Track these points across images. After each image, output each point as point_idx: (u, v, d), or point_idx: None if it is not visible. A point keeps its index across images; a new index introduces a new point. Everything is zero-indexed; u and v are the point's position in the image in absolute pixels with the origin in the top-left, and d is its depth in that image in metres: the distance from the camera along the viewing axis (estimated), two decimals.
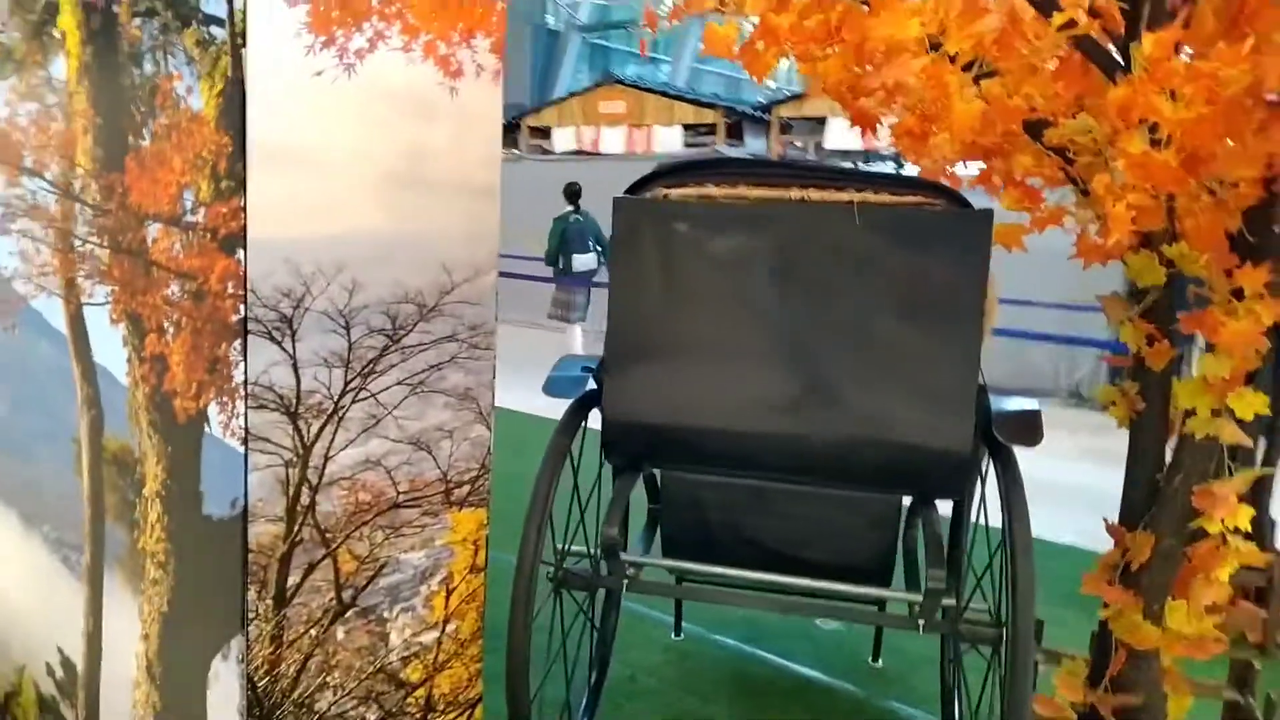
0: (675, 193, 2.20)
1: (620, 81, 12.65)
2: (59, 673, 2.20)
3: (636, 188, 2.27)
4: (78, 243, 1.97)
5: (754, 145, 12.14)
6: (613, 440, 2.27)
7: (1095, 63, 1.86)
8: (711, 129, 12.08)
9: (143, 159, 1.78)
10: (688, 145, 11.95)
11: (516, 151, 12.57)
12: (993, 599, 2.20)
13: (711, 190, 2.17)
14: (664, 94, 12.16)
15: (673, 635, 3.28)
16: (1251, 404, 2.03)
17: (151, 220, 1.77)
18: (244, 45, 1.55)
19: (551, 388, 2.29)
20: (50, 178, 2.04)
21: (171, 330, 1.76)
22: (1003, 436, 2.07)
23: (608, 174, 5.59)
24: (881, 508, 2.31)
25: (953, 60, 1.80)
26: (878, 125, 2.16)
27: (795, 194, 2.13)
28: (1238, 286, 1.96)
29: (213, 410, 1.69)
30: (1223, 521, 2.05)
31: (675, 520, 2.60)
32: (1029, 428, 2.09)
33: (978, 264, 2.06)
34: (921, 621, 2.21)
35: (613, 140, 12.31)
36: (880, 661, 3.21)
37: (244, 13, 1.55)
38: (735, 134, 12.13)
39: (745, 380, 2.18)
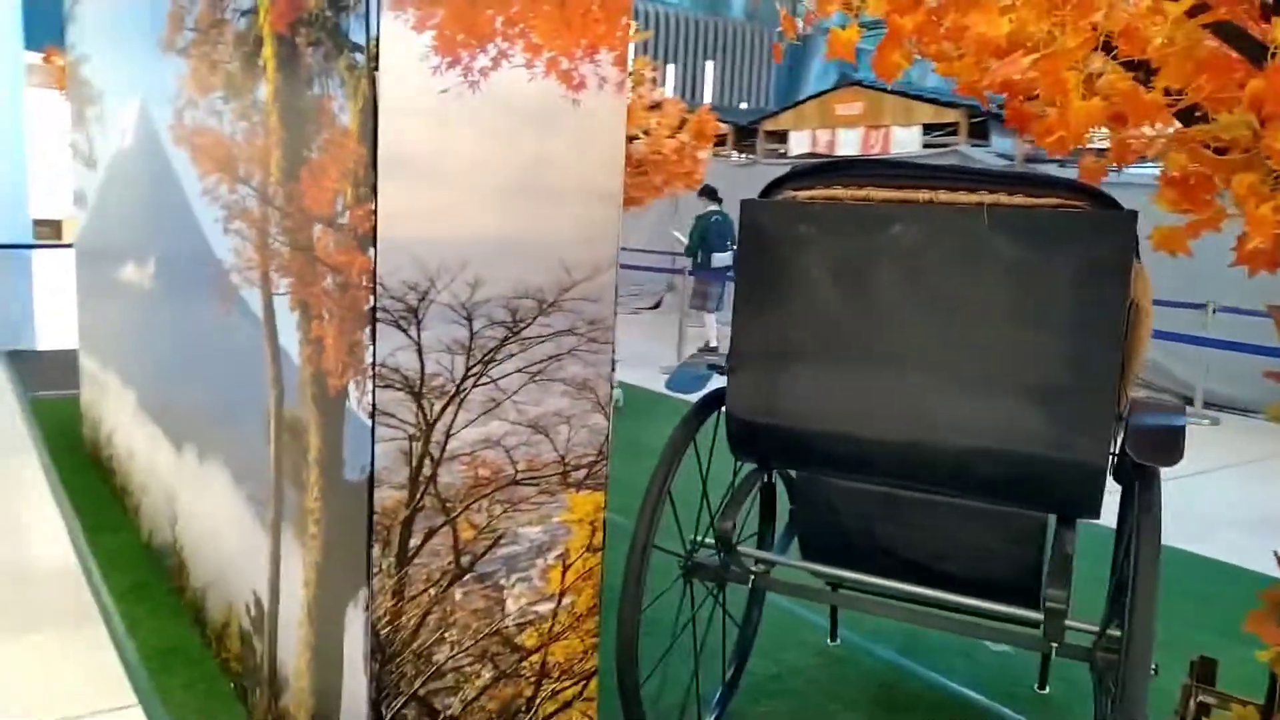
0: (802, 194, 2.23)
1: (859, 83, 12.46)
2: (252, 611, 2.56)
3: (770, 190, 2.32)
4: (271, 241, 2.30)
5: (1001, 145, 11.57)
6: (735, 437, 2.34)
7: (1239, 50, 1.73)
8: (953, 129, 11.64)
9: (312, 169, 2.05)
10: (926, 146, 11.58)
11: (752, 155, 12.68)
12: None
13: (838, 192, 2.19)
14: (903, 94, 11.85)
15: (828, 640, 3.28)
16: None
17: (316, 222, 2.04)
18: (376, 68, 1.77)
19: (674, 383, 2.39)
20: (254, 185, 2.38)
21: (326, 317, 2.02)
22: (1136, 454, 1.94)
23: None
24: (1024, 523, 2.22)
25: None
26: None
27: (924, 196, 2.10)
28: None
29: (351, 388, 1.93)
30: None
31: (808, 522, 2.62)
32: (1167, 445, 1.95)
33: (1119, 268, 1.95)
34: (1054, 645, 2.11)
35: (848, 142, 12.15)
36: (1047, 689, 3.06)
37: (377, 40, 1.76)
38: (980, 133, 11.61)
39: (868, 384, 2.17)
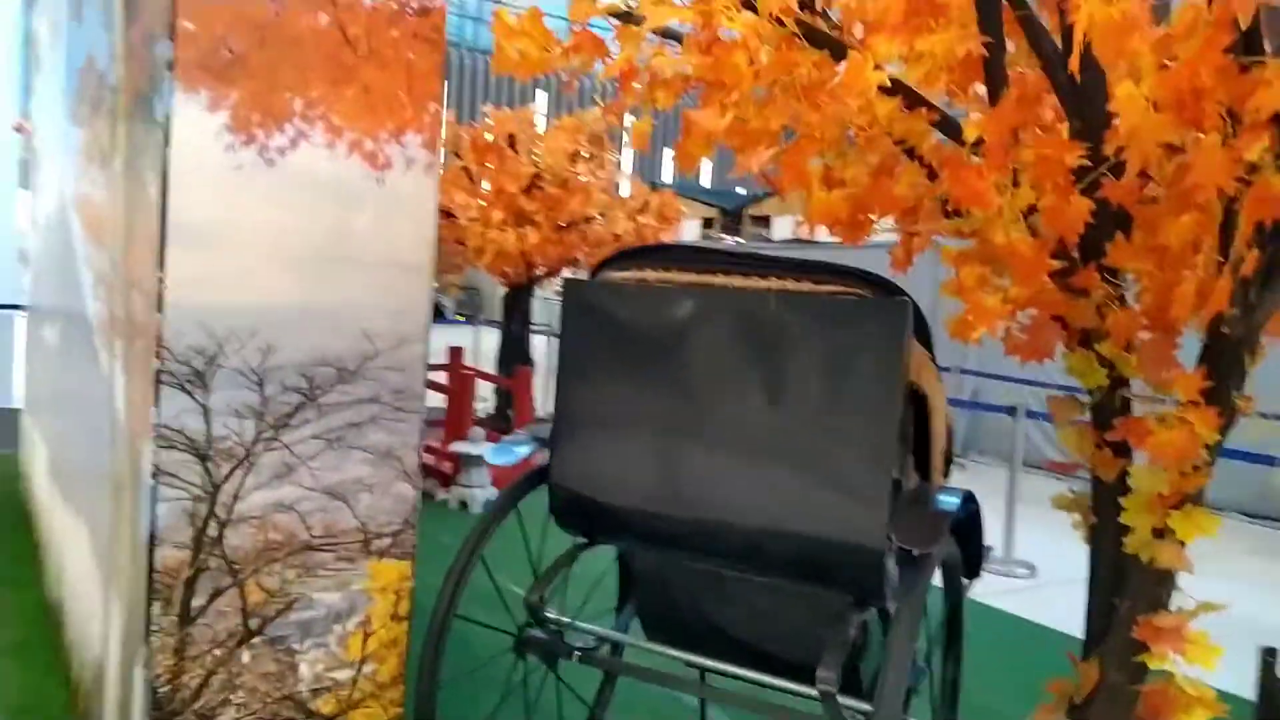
0: (617, 275, 2.30)
1: None
2: (91, 670, 2.58)
3: (595, 271, 2.40)
4: (113, 305, 2.39)
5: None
6: (556, 508, 2.37)
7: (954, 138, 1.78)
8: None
9: (134, 237, 2.15)
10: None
11: (740, 240, 12.86)
12: None
13: (647, 274, 2.26)
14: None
15: None
16: (1198, 525, 1.82)
17: (132, 287, 2.12)
18: (168, 144, 1.87)
19: (494, 454, 2.43)
20: (110, 252, 2.48)
21: (135, 379, 2.09)
22: (894, 535, 1.96)
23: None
24: (835, 603, 2.23)
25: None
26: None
27: (719, 280, 2.17)
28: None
29: (145, 448, 1.99)
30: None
31: (643, 598, 2.63)
32: (926, 529, 1.97)
33: (893, 353, 2.00)
34: None
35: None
36: None
37: (168, 118, 1.87)
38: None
39: (668, 460, 2.21)
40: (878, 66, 1.51)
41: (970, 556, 2.43)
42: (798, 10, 1.58)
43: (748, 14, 1.53)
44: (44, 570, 3.89)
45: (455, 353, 6.83)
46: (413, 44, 2.09)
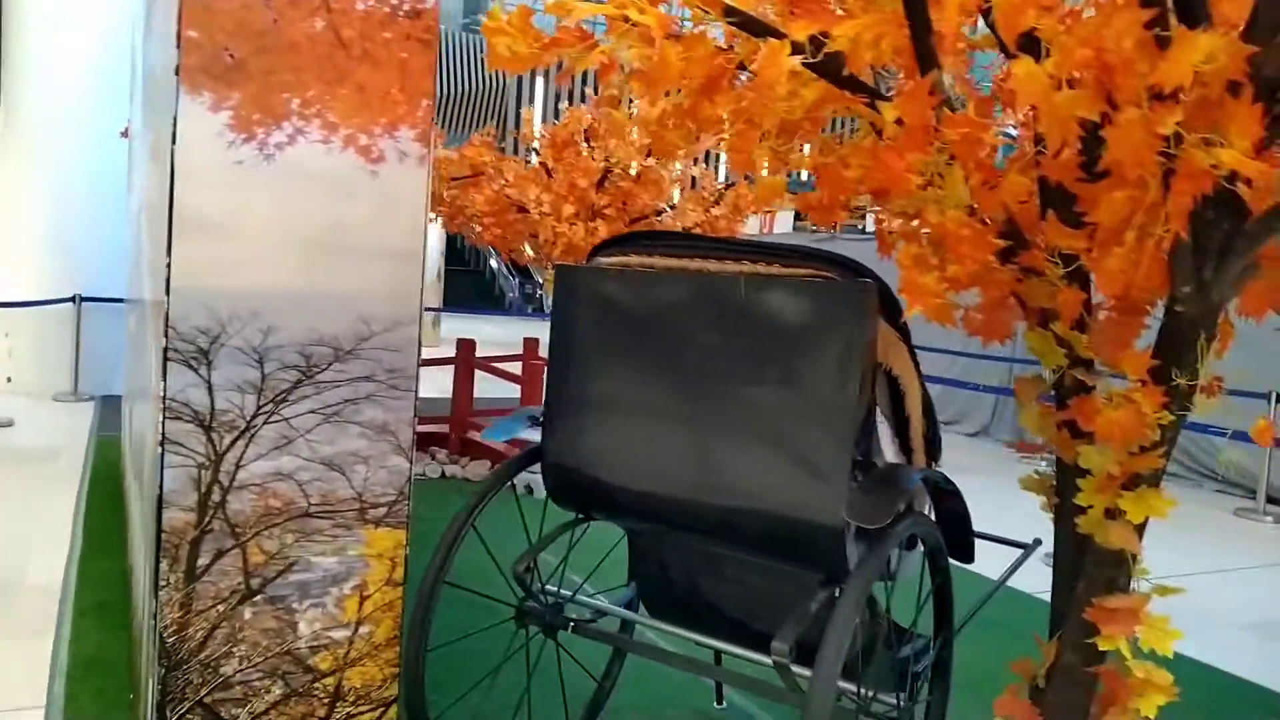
0: (605, 261, 2.39)
1: None
2: (140, 622, 2.82)
3: (590, 257, 2.50)
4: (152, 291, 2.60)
5: None
6: (550, 485, 2.48)
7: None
8: None
9: (154, 228, 2.35)
10: None
11: (832, 230, 12.73)
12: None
13: (631, 260, 2.34)
14: None
15: (714, 704, 3.30)
16: (1150, 506, 1.80)
17: (152, 275, 2.33)
18: (174, 143, 2.06)
19: (490, 433, 2.55)
20: (155, 243, 2.71)
21: (154, 356, 2.30)
22: (847, 513, 1.99)
23: None
24: (810, 580, 2.28)
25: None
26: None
27: (695, 265, 2.24)
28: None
29: (157, 419, 2.18)
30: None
31: (642, 575, 2.73)
32: (874, 505, 1.99)
33: (856, 336, 2.03)
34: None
35: None
36: None
37: (175, 119, 2.05)
38: None
39: (646, 438, 2.29)
40: (797, 51, 1.56)
41: (959, 540, 2.44)
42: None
43: (659, 9, 1.60)
44: (127, 540, 4.23)
45: (530, 344, 7.03)
46: (405, 44, 2.22)
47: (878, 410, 2.23)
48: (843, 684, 2.19)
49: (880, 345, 2.14)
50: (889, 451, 2.36)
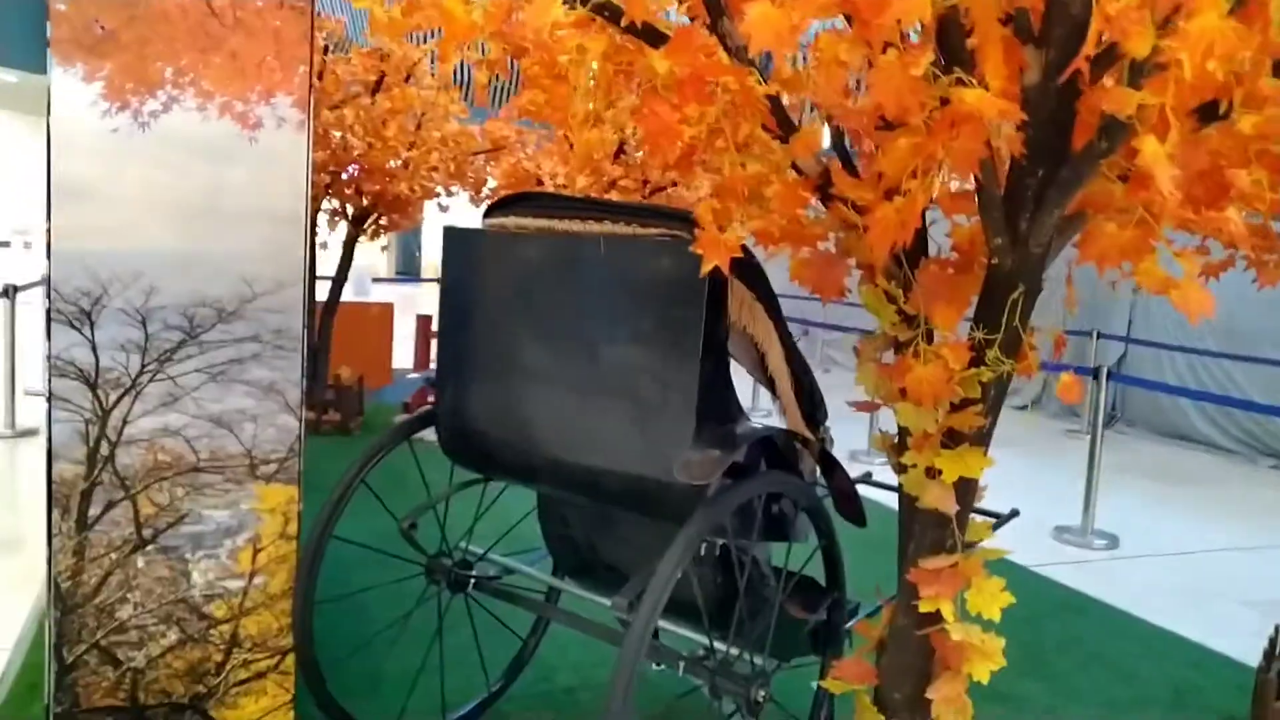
0: (487, 223, 2.42)
1: None
2: None
3: (484, 219, 2.53)
4: None
5: None
6: (444, 444, 2.53)
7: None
8: None
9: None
10: None
11: None
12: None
13: (507, 221, 2.36)
14: None
15: (652, 666, 3.32)
16: (967, 464, 1.76)
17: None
18: (49, 114, 2.16)
19: (393, 392, 2.60)
20: None
21: None
22: (675, 470, 1.99)
23: None
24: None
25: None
26: None
27: (561, 225, 2.25)
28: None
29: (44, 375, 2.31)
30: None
31: (547, 534, 2.77)
32: (703, 465, 1.98)
33: (695, 293, 2.01)
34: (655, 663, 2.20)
35: None
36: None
37: (49, 90, 2.15)
38: None
39: (520, 398, 2.32)
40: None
41: (845, 505, 2.41)
42: None
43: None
44: None
45: None
46: (278, 13, 2.28)
47: (742, 371, 2.22)
48: (718, 644, 2.20)
49: (735, 305, 2.12)
50: (775, 414, 2.35)
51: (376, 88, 6.37)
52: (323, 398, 6.61)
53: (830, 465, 2.38)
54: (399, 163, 6.41)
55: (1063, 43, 1.51)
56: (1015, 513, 3.10)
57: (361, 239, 7.04)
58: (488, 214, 2.48)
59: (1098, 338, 8.44)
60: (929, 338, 1.78)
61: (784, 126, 1.68)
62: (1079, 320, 8.24)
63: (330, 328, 6.89)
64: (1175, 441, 8.10)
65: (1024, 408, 9.34)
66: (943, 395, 1.71)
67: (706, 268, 1.72)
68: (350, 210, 6.93)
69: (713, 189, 1.82)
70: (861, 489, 2.59)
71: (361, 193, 6.62)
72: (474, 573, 2.63)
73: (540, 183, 6.64)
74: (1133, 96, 1.27)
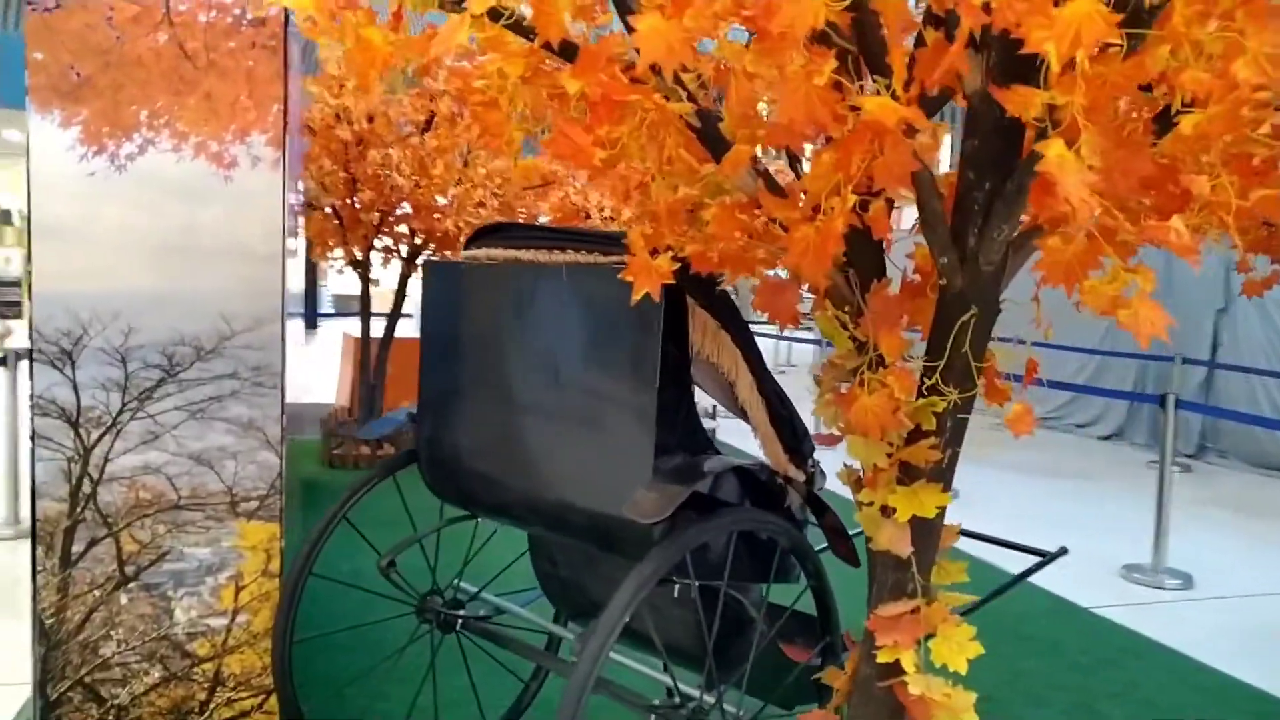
0: (464, 254, 2.39)
1: None
2: None
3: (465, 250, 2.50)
4: None
5: None
6: (427, 479, 2.49)
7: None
8: None
9: None
10: None
11: None
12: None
13: (478, 253, 2.33)
14: None
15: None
16: (922, 502, 1.64)
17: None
18: (28, 159, 2.22)
19: (368, 430, 2.58)
20: None
21: None
22: (625, 507, 1.90)
23: None
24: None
25: None
26: None
27: (528, 255, 2.20)
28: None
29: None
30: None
31: (537, 571, 2.70)
32: (655, 502, 1.88)
33: (651, 321, 1.94)
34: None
35: None
36: None
37: (27, 136, 2.21)
38: None
39: (493, 432, 2.27)
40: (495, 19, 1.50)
41: (838, 544, 2.28)
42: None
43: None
44: None
45: None
46: (250, 53, 2.30)
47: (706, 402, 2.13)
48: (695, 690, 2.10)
49: (697, 333, 2.04)
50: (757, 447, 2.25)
51: (426, 127, 6.48)
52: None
53: (819, 501, 2.26)
54: (446, 200, 6.49)
55: (1001, 44, 1.41)
56: (1063, 550, 2.91)
57: (414, 276, 7.14)
58: (466, 246, 2.45)
59: (1181, 363, 8.01)
60: (877, 365, 1.67)
61: (714, 146, 1.60)
62: (1158, 344, 7.82)
63: (385, 362, 6.99)
64: (1271, 474, 7.60)
65: (1107, 438, 8.91)
66: (890, 426, 1.59)
67: (637, 294, 1.64)
68: (404, 249, 7.05)
69: (641, 212, 1.75)
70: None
71: (413, 231, 6.72)
72: (463, 612, 2.58)
73: (588, 216, 6.66)
74: (1038, 96, 1.16)
